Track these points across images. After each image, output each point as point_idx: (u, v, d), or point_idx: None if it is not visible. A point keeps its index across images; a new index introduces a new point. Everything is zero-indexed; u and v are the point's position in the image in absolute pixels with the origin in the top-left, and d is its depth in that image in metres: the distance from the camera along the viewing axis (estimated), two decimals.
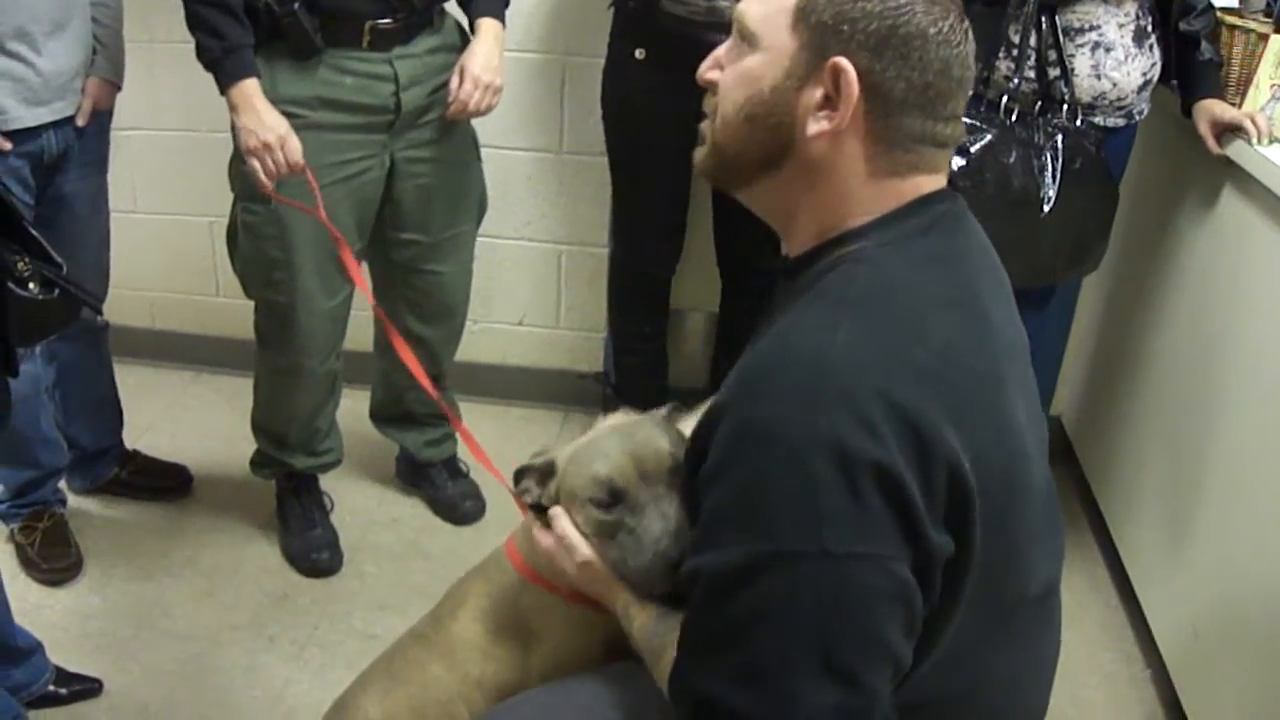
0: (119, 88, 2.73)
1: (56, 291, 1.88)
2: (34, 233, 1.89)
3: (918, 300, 1.20)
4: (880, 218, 1.24)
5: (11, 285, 1.80)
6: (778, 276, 1.37)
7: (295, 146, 2.44)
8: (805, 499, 1.08)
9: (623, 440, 1.46)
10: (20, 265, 1.83)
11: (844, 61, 1.18)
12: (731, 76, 1.28)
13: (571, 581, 1.51)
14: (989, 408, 1.19)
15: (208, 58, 2.42)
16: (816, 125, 1.21)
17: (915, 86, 1.19)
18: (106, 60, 2.65)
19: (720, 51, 1.32)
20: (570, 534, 1.46)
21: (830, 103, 1.20)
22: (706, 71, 1.33)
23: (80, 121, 2.58)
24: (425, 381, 2.21)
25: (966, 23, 1.24)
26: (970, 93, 1.27)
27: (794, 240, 1.32)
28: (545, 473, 1.52)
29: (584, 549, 1.45)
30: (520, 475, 1.55)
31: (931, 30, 1.19)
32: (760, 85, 1.24)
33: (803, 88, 1.22)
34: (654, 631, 1.36)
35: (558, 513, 1.48)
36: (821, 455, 1.07)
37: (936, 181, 1.27)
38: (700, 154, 1.36)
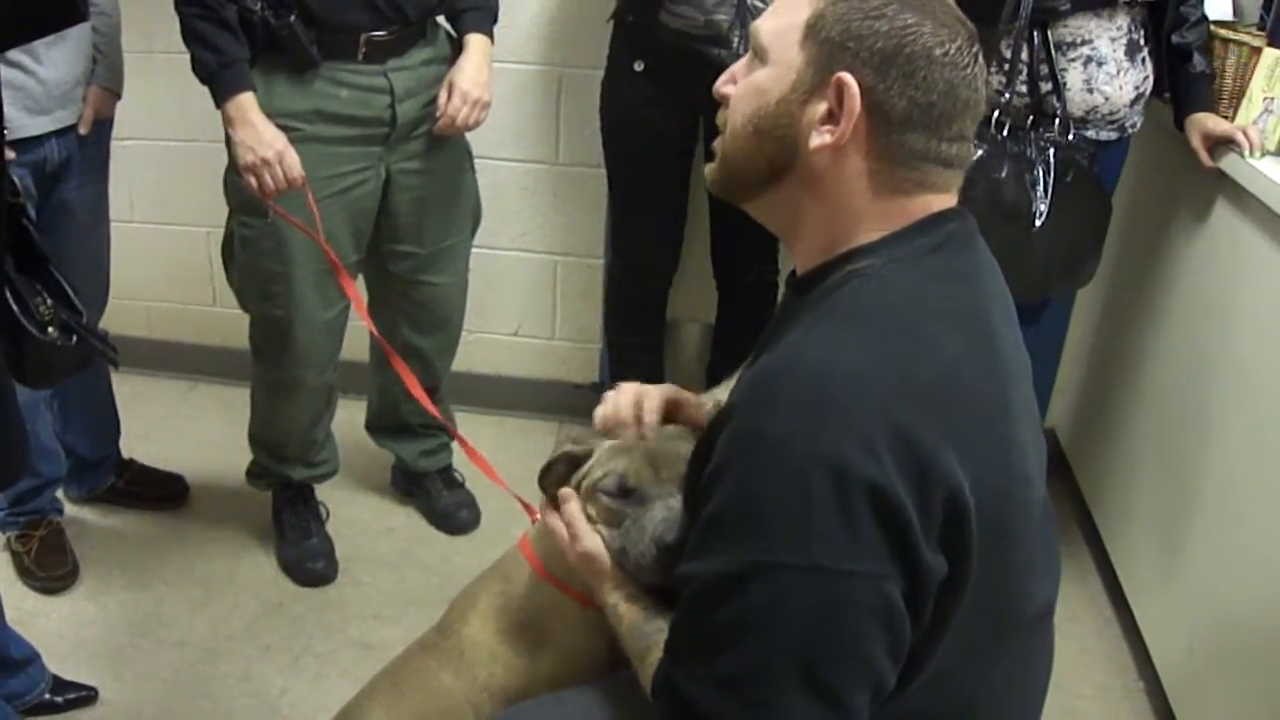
0: (119, 96, 2.74)
1: (74, 339, 1.87)
2: (58, 276, 1.88)
3: (925, 319, 1.20)
4: (890, 235, 1.25)
5: (31, 327, 1.79)
6: (771, 288, 1.38)
7: (294, 162, 2.45)
8: (799, 513, 1.09)
9: (647, 444, 1.50)
10: (42, 309, 1.83)
11: (847, 77, 1.19)
12: (742, 89, 1.30)
13: (570, 568, 1.53)
14: (992, 429, 1.20)
15: (203, 72, 2.43)
16: (819, 138, 1.22)
17: (918, 105, 1.20)
18: (106, 69, 2.66)
19: (736, 67, 1.34)
20: (577, 519, 1.48)
21: (833, 117, 1.22)
22: (721, 86, 1.35)
23: (82, 130, 2.59)
24: (424, 399, 2.22)
25: (978, 47, 1.25)
26: (981, 115, 1.28)
27: (801, 255, 1.33)
28: (574, 462, 1.55)
29: (587, 539, 1.47)
30: (547, 470, 1.57)
31: (938, 51, 1.20)
32: (768, 98, 1.26)
33: (808, 102, 1.23)
34: (642, 631, 1.37)
35: (568, 494, 1.51)
36: (819, 471, 1.08)
37: (946, 201, 1.28)
38: (710, 168, 1.38)
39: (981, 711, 1.34)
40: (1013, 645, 1.33)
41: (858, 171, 1.24)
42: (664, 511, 1.42)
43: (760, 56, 1.28)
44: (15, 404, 1.75)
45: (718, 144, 1.35)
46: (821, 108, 1.22)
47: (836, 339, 1.18)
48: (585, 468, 1.53)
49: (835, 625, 1.10)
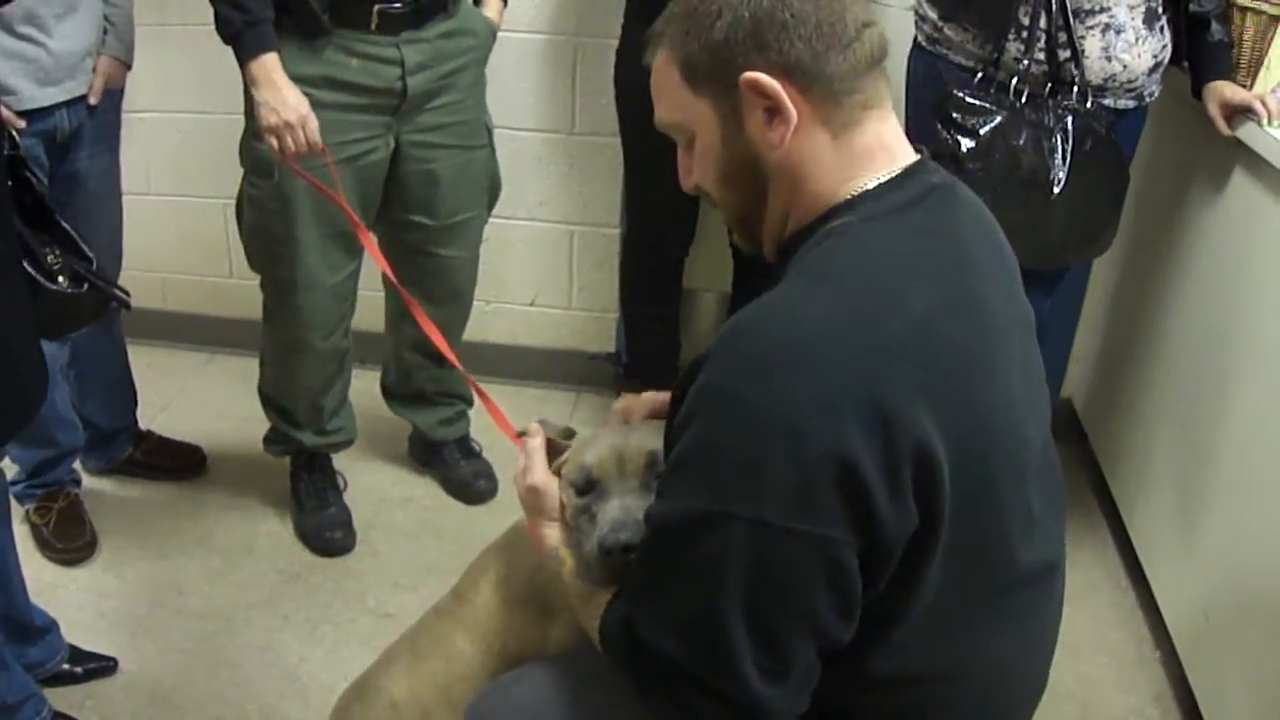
0: (129, 67, 2.73)
1: (86, 286, 1.88)
2: (65, 225, 1.89)
3: (896, 274, 1.21)
4: (864, 192, 1.27)
5: (40, 278, 1.80)
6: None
7: (315, 126, 2.45)
8: (752, 468, 1.12)
9: (620, 436, 1.52)
10: (50, 259, 1.84)
11: (749, 74, 1.23)
12: (698, 169, 1.36)
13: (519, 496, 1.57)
14: (970, 384, 1.20)
15: (228, 31, 2.40)
16: (775, 134, 1.26)
17: (807, 38, 1.23)
18: (117, 39, 2.66)
19: (680, 164, 1.39)
20: (536, 455, 1.54)
21: (771, 113, 1.25)
22: (686, 182, 1.40)
23: (92, 100, 2.59)
24: (443, 345, 2.21)
25: None
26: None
27: (793, 223, 1.35)
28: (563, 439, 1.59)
29: (538, 473, 1.52)
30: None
31: None
32: (717, 152, 1.32)
33: (743, 123, 1.27)
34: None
35: (535, 430, 1.57)
36: (775, 430, 1.11)
37: (883, 116, 1.30)
38: (737, 240, 1.43)
39: (981, 672, 1.34)
40: (1010, 605, 1.33)
41: (816, 131, 1.27)
42: (618, 513, 1.43)
43: (683, 138, 1.35)
44: (23, 345, 1.76)
45: (722, 219, 1.42)
46: (758, 115, 1.26)
47: (806, 298, 1.20)
48: (566, 455, 1.56)
49: (778, 580, 1.14)
